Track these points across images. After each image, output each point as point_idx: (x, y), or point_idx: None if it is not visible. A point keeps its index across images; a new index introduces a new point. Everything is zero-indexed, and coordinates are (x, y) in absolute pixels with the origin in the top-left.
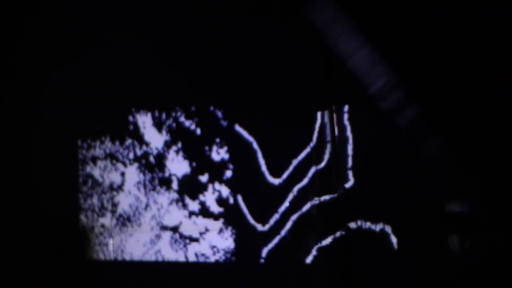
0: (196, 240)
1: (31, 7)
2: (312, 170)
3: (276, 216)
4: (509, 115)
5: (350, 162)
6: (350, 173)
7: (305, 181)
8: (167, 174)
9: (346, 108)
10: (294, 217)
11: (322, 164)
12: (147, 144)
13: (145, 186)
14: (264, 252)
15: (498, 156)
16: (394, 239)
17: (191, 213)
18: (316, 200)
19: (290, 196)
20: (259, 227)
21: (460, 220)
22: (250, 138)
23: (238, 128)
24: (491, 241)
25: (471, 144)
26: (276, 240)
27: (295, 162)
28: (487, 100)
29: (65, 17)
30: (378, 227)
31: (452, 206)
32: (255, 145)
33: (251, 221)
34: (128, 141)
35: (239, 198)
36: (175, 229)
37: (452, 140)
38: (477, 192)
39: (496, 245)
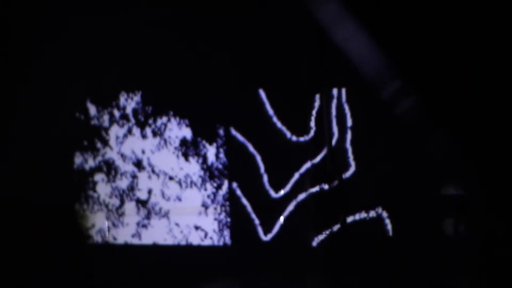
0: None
1: None
2: (309, 158)
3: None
4: (502, 102)
5: (347, 148)
6: (347, 160)
7: (302, 170)
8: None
9: (344, 91)
10: (290, 206)
11: (319, 152)
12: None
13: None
14: (265, 236)
15: (491, 140)
16: (390, 225)
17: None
18: (312, 189)
19: (288, 186)
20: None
21: (454, 203)
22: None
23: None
24: (485, 223)
25: (466, 129)
26: (275, 226)
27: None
28: (482, 88)
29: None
30: (374, 213)
31: (446, 189)
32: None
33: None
34: (124, 120)
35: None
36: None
37: (448, 126)
38: (471, 175)
39: (490, 227)
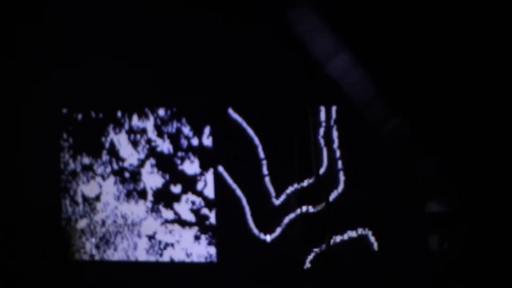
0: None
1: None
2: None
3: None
4: (486, 116)
5: (335, 167)
6: (335, 179)
7: (290, 189)
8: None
9: (334, 109)
10: (282, 223)
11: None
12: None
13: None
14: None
15: (476, 157)
16: (376, 242)
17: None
18: (300, 209)
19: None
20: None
21: (439, 220)
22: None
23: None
24: (470, 240)
25: (451, 146)
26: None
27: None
28: (466, 103)
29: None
30: (360, 231)
31: (431, 207)
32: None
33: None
34: (110, 140)
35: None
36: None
37: (434, 144)
38: (456, 192)
39: (475, 243)
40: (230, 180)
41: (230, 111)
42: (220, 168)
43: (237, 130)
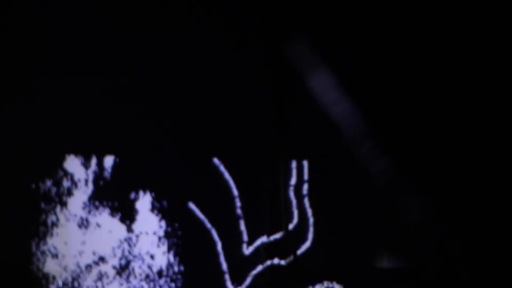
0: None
1: None
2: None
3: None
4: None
5: (305, 221)
6: (304, 233)
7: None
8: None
9: (305, 164)
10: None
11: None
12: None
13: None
14: None
15: (445, 216)
16: None
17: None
18: (268, 262)
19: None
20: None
21: (391, 275)
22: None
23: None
24: None
25: (419, 207)
26: None
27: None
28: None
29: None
30: (327, 284)
31: (381, 262)
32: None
33: None
34: (86, 183)
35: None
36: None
37: (401, 200)
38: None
39: None
40: (202, 217)
41: (215, 160)
42: (191, 205)
43: (215, 174)
